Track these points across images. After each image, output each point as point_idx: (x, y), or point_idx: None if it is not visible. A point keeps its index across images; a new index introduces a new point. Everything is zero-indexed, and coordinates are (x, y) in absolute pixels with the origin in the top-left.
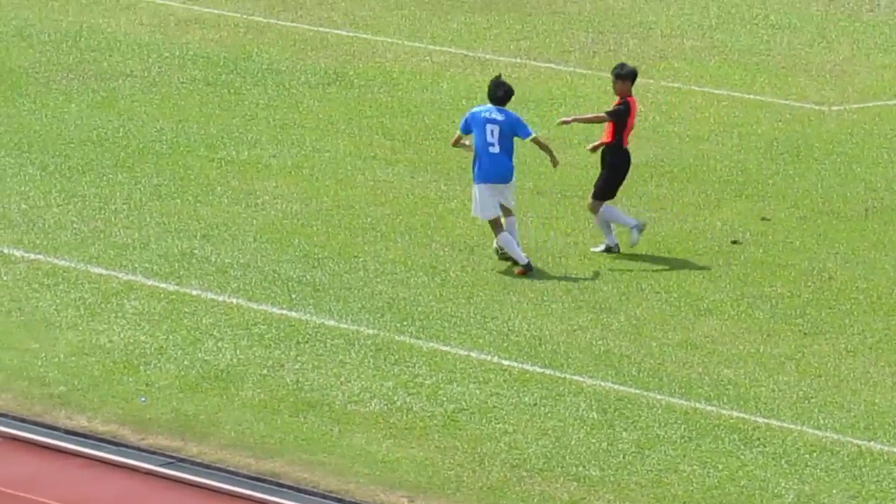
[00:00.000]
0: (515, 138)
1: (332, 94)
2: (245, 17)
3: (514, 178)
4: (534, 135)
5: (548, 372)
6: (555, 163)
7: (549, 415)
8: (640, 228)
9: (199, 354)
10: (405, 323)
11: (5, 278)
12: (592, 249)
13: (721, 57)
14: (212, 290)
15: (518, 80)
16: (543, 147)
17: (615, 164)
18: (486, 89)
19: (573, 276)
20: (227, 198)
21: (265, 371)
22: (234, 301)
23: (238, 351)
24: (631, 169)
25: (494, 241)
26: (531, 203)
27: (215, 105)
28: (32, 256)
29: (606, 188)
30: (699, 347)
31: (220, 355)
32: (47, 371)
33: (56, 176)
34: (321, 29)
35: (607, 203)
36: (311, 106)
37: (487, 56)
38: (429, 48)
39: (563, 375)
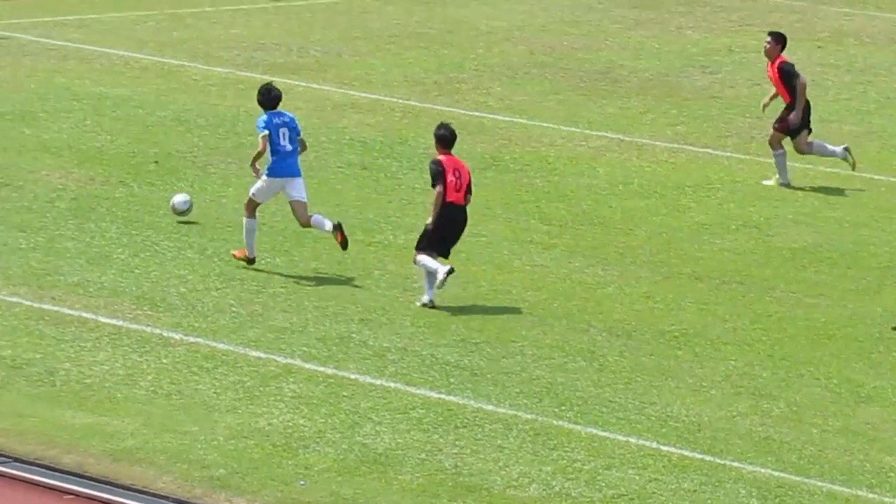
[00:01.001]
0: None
1: (489, 178)
2: (401, 101)
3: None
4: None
5: (707, 458)
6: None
7: (709, 501)
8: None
9: (358, 438)
10: (563, 408)
11: (165, 361)
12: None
13: (880, 142)
14: (370, 374)
15: (675, 166)
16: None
17: None
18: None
19: (732, 362)
20: (385, 282)
21: (423, 455)
22: (393, 385)
23: (396, 435)
24: (789, 254)
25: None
26: (689, 288)
27: (372, 189)
28: (192, 339)
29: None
30: (860, 434)
31: (379, 439)
32: (207, 454)
33: (215, 259)
34: (477, 114)
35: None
36: None
37: (644, 141)
38: (585, 133)
39: (722, 462)
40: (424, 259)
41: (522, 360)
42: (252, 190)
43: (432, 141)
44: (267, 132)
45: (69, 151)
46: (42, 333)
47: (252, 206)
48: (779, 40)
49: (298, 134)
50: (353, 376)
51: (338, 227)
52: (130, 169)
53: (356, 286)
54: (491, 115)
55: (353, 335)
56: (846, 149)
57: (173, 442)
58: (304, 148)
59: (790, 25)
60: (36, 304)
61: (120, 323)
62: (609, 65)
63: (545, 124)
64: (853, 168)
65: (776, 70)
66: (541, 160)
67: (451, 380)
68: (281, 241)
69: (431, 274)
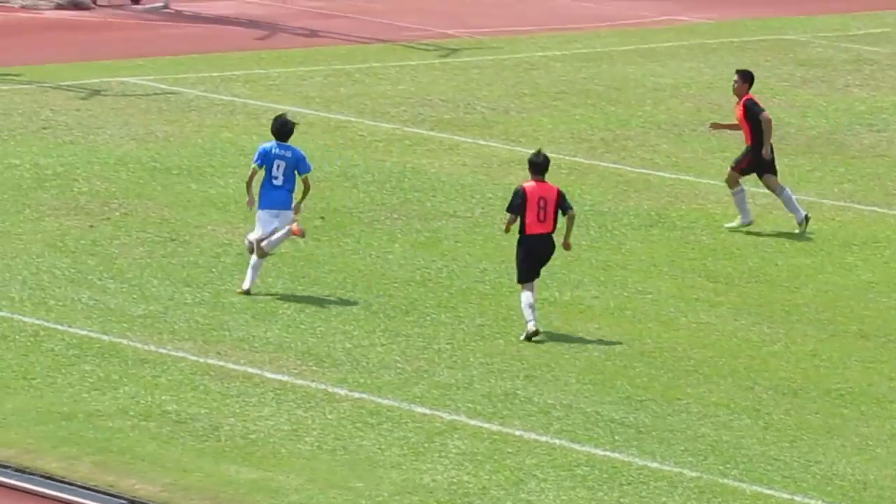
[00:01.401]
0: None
1: (655, 235)
2: (568, 158)
3: (291, 207)
4: (311, 171)
5: None
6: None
7: None
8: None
9: (522, 495)
10: (728, 466)
11: (330, 417)
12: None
13: None
14: (535, 431)
15: (841, 224)
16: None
17: None
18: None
19: None
20: (550, 338)
21: None
22: (557, 442)
23: (561, 492)
24: None
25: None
26: (855, 346)
27: None
28: (357, 395)
29: None
30: None
31: (544, 496)
32: None
33: (380, 315)
34: (643, 171)
35: None
36: (634, 247)
37: (810, 198)
38: (751, 190)
39: None
40: (523, 304)
41: (687, 417)
42: (250, 235)
43: (600, 197)
44: (256, 166)
45: (235, 206)
46: (207, 388)
47: (257, 247)
48: (746, 78)
49: (300, 172)
50: (517, 433)
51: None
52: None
53: (521, 342)
54: (657, 173)
55: (518, 391)
56: (806, 217)
57: (338, 498)
58: (306, 189)
59: None
60: (201, 359)
61: (285, 378)
62: (776, 123)
63: (712, 181)
64: (800, 232)
65: (742, 107)
66: (707, 217)
67: (616, 437)
68: (447, 297)
69: (530, 307)
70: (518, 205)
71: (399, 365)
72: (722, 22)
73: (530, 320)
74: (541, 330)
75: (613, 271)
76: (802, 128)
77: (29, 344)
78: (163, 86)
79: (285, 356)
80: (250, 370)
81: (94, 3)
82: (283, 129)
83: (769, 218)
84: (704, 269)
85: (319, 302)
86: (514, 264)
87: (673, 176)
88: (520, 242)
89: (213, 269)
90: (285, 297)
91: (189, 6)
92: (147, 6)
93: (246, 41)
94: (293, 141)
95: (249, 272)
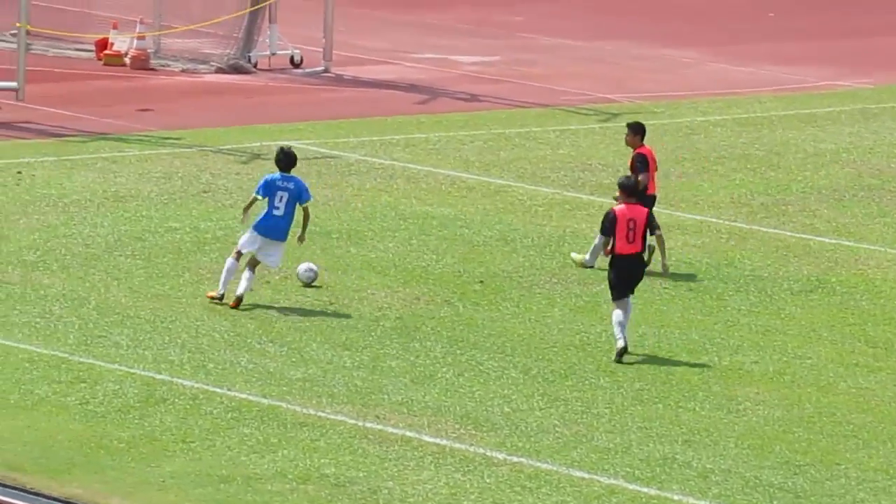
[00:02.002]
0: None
1: (814, 300)
2: (727, 223)
3: (286, 240)
4: (312, 200)
5: None
6: (301, 238)
7: None
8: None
9: None
10: None
11: (488, 481)
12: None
13: None
14: (693, 496)
15: None
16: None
17: None
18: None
19: None
20: (709, 403)
21: None
22: None
23: None
24: None
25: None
26: None
27: (697, 310)
28: (515, 459)
29: None
30: None
31: None
32: None
33: (539, 380)
34: (804, 236)
35: None
36: (793, 312)
37: None
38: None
39: None
40: (613, 321)
41: (846, 482)
42: (240, 241)
43: (759, 262)
44: (258, 197)
45: (395, 270)
46: (365, 452)
47: (238, 254)
48: (637, 131)
49: (301, 202)
50: (676, 497)
51: (239, 299)
52: (455, 288)
53: (680, 407)
54: (818, 238)
55: (677, 456)
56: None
57: None
58: (305, 217)
59: None
60: (360, 423)
61: (443, 442)
62: None
63: (872, 247)
64: None
65: (631, 159)
66: (867, 283)
67: (775, 502)
68: (606, 361)
69: (620, 324)
70: (609, 227)
71: (558, 429)
72: (883, 87)
73: (620, 338)
74: (629, 349)
75: (773, 336)
76: None
77: (188, 407)
78: (322, 150)
79: (444, 420)
80: (409, 434)
81: (255, 66)
82: (287, 160)
83: None
84: (864, 335)
85: (478, 366)
86: (672, 328)
87: (833, 241)
88: (611, 263)
89: (372, 333)
90: (444, 362)
91: (349, 70)
92: (307, 70)
93: (406, 105)
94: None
95: (242, 281)
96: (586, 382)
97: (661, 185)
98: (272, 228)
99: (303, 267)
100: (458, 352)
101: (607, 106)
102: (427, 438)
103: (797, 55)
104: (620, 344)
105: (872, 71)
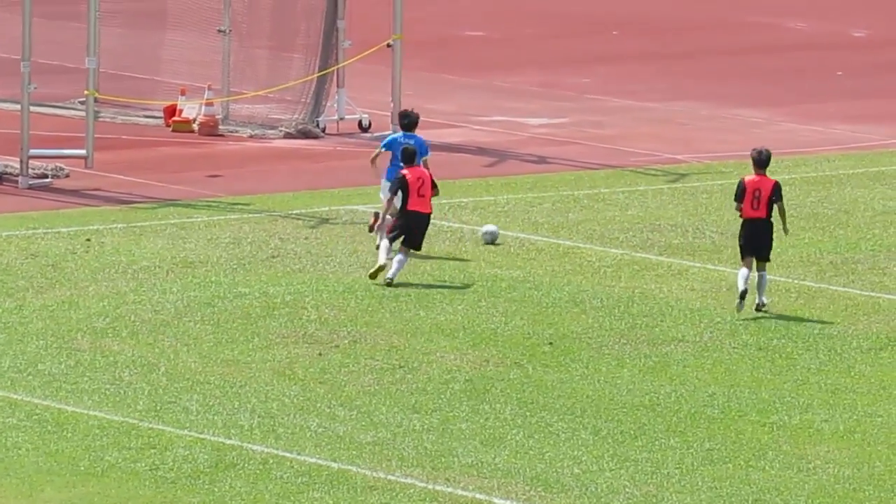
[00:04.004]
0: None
1: (885, 358)
2: (797, 282)
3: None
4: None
5: None
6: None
7: None
8: None
9: None
10: None
11: None
12: None
13: None
14: None
15: None
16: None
17: None
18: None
19: None
20: (779, 462)
21: None
22: None
23: None
24: None
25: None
26: None
27: (767, 370)
28: None
29: None
30: None
31: None
32: None
33: (608, 440)
34: (873, 294)
35: None
36: (863, 370)
37: None
38: None
39: None
40: (739, 276)
41: None
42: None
43: (829, 320)
44: (383, 150)
45: (464, 333)
46: None
47: (388, 203)
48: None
49: (423, 155)
50: None
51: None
52: (525, 350)
53: (750, 466)
54: (887, 296)
55: None
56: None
57: None
58: (425, 167)
59: None
60: (430, 486)
61: None
62: None
63: None
64: None
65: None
66: None
67: None
68: (675, 422)
69: (744, 277)
70: (740, 193)
71: (628, 490)
72: None
73: (742, 287)
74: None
75: (842, 395)
76: None
77: (258, 472)
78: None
79: (514, 482)
80: (479, 496)
81: (323, 131)
82: (408, 119)
83: None
84: None
85: (548, 427)
86: (742, 387)
87: None
88: (742, 226)
89: (442, 396)
90: (514, 423)
91: (418, 133)
92: (376, 134)
93: (474, 168)
94: None
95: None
96: (656, 443)
97: (729, 245)
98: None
99: (486, 228)
100: (528, 413)
101: (675, 167)
102: (498, 500)
103: (865, 114)
104: (741, 288)
105: None
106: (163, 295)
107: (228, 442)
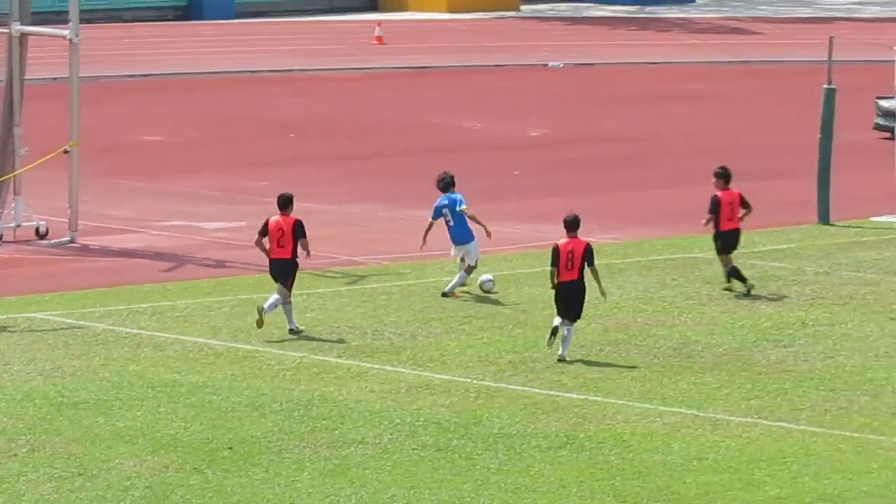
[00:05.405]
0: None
1: (563, 457)
2: (476, 381)
3: (473, 240)
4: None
5: None
6: (488, 234)
7: None
8: None
9: None
10: None
11: None
12: None
13: None
14: None
15: (749, 440)
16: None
17: None
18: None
19: None
20: None
21: None
22: None
23: None
24: None
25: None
26: None
27: (447, 471)
28: None
29: None
30: None
31: None
32: None
33: None
34: (552, 392)
35: None
36: (543, 469)
37: (718, 416)
38: (659, 409)
39: None
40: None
41: None
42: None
43: (508, 420)
44: (433, 220)
45: (143, 439)
46: None
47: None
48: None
49: (457, 206)
50: None
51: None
52: (205, 455)
53: None
54: (565, 394)
55: None
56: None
57: None
58: (472, 218)
59: (862, 297)
60: None
61: None
62: (683, 340)
63: (620, 401)
64: None
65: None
66: (615, 437)
67: None
68: None
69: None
70: (554, 259)
71: None
72: (629, 242)
73: (556, 325)
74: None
75: (523, 494)
76: (709, 345)
77: None
78: (69, 320)
79: None
80: None
81: (0, 239)
82: (443, 182)
83: (677, 436)
84: (613, 489)
85: None
86: (422, 488)
87: (581, 397)
88: (557, 288)
89: (122, 503)
90: None
91: (96, 240)
92: (53, 241)
93: (152, 273)
94: None
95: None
96: None
97: (408, 346)
98: (457, 236)
99: (484, 277)
100: None
101: (354, 268)
102: None
103: (544, 212)
104: (555, 324)
105: (619, 226)
106: None
107: None
